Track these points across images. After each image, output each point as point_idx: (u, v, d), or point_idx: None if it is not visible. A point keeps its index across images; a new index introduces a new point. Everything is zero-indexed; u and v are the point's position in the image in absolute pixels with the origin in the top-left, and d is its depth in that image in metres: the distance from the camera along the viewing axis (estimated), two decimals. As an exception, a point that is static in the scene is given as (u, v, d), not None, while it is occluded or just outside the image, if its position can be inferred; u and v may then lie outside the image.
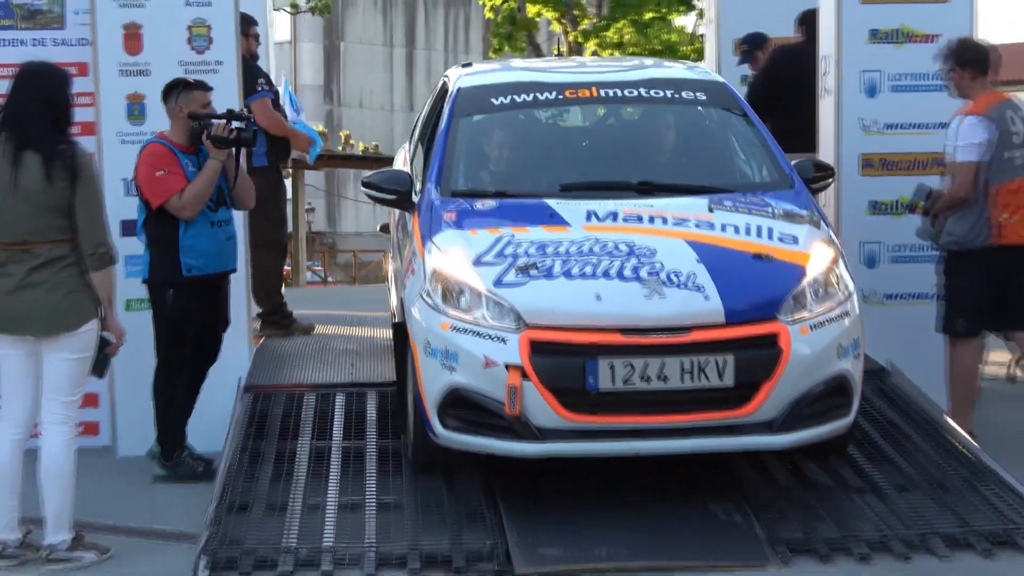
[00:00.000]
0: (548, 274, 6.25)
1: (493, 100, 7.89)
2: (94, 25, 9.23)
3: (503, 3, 34.21)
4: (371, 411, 8.86)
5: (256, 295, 10.55)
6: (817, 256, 6.60)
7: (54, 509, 6.71)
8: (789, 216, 6.87)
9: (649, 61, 11.01)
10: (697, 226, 6.64)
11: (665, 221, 6.66)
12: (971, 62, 9.02)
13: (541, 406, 5.95)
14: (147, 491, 8.28)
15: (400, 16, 53.12)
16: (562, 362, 6.07)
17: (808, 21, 11.17)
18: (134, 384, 8.69)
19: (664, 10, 33.63)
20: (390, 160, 40.30)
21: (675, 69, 9.17)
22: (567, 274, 6.23)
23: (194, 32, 9.23)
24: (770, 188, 7.32)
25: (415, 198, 7.45)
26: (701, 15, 33.54)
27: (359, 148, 43.20)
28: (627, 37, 33.97)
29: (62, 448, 6.75)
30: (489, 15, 37.90)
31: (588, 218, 6.73)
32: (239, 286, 9.12)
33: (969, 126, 8.75)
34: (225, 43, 9.35)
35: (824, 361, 6.28)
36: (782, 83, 11.03)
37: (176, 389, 8.52)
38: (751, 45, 11.56)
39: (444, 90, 8.47)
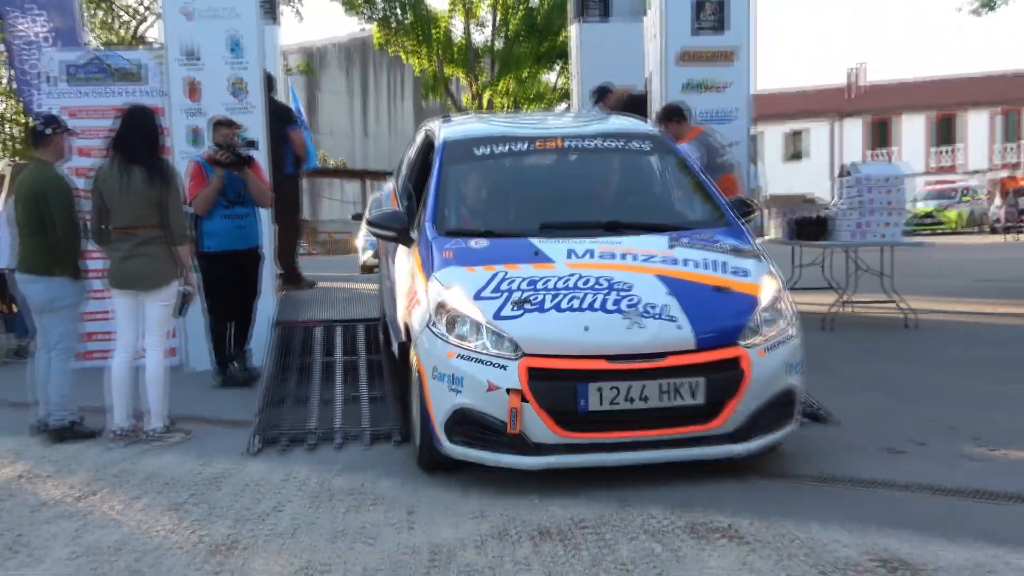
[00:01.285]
0: (540, 307, 5.23)
1: (475, 150, 6.67)
2: (167, 81, 9.24)
3: (428, 67, 34.25)
4: (361, 337, 8.95)
5: (279, 260, 10.52)
6: (766, 287, 5.64)
7: (154, 405, 6.83)
8: (737, 251, 5.89)
9: (597, 115, 9.15)
10: (663, 262, 5.64)
11: (635, 258, 5.64)
12: (667, 118, 9.21)
13: (538, 425, 5.01)
14: (211, 394, 8.29)
15: (357, 74, 53.11)
16: (557, 386, 5.06)
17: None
18: (197, 323, 8.62)
19: (535, 69, 33.79)
20: (353, 172, 39.52)
21: (622, 122, 7.69)
22: (557, 307, 5.21)
23: (234, 85, 9.18)
24: (713, 225, 6.27)
25: (413, 234, 6.33)
26: (561, 72, 33.54)
27: (331, 163, 43.90)
28: (511, 88, 34.13)
29: (159, 364, 6.87)
30: (418, 74, 37.79)
31: (569, 256, 5.67)
32: (267, 260, 9.08)
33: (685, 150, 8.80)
34: (255, 93, 9.34)
35: (777, 378, 5.34)
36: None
37: (219, 331, 8.55)
38: (600, 94, 11.43)
39: (429, 141, 7.23)
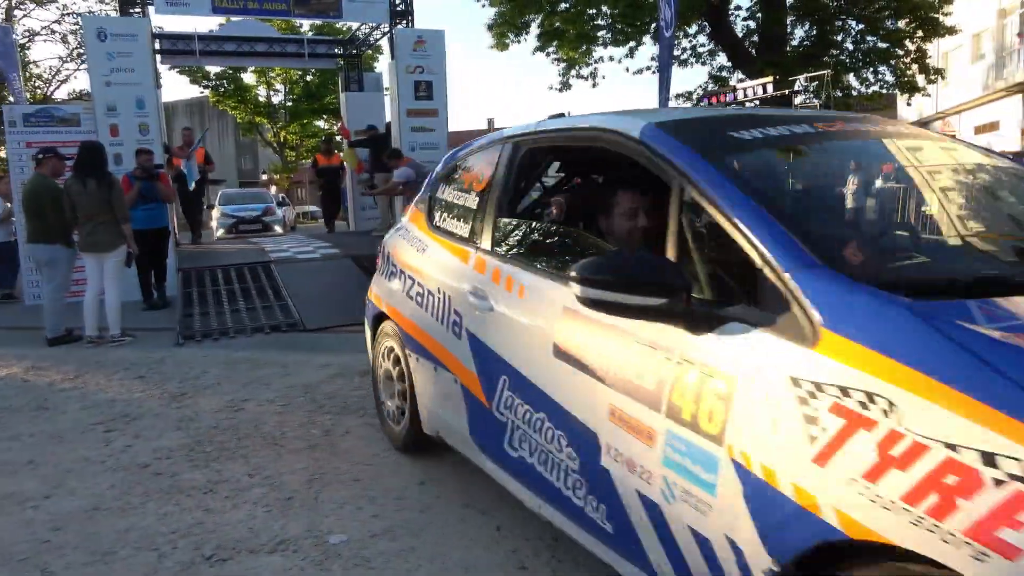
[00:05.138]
0: None
1: (734, 133, 1.89)
2: (96, 126, 8.26)
3: (244, 117, 32.11)
4: (233, 274, 8.23)
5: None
6: None
7: (112, 321, 6.33)
8: None
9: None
10: None
11: None
12: (394, 156, 8.98)
13: None
14: (143, 314, 7.54)
15: (197, 121, 46.74)
16: None
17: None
18: (133, 273, 7.76)
19: (311, 119, 32.40)
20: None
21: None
22: None
23: (140, 127, 8.38)
24: None
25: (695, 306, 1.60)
26: (327, 122, 32.17)
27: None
28: (297, 130, 32.72)
29: (115, 298, 6.34)
30: (239, 121, 34.96)
31: None
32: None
33: (402, 170, 8.68)
34: (155, 131, 8.48)
35: None
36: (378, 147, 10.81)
37: (144, 275, 7.74)
38: (364, 132, 11.33)
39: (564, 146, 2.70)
